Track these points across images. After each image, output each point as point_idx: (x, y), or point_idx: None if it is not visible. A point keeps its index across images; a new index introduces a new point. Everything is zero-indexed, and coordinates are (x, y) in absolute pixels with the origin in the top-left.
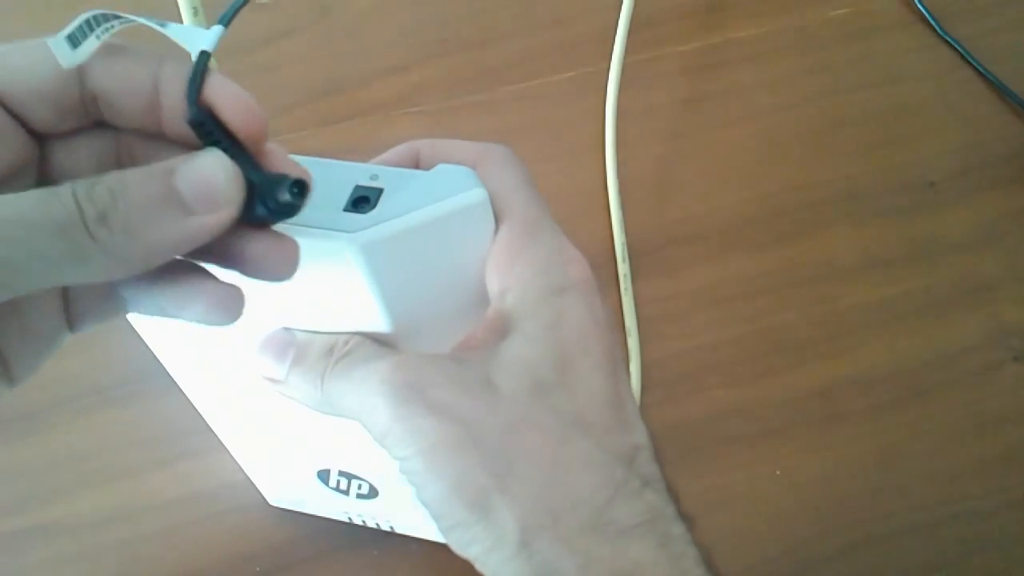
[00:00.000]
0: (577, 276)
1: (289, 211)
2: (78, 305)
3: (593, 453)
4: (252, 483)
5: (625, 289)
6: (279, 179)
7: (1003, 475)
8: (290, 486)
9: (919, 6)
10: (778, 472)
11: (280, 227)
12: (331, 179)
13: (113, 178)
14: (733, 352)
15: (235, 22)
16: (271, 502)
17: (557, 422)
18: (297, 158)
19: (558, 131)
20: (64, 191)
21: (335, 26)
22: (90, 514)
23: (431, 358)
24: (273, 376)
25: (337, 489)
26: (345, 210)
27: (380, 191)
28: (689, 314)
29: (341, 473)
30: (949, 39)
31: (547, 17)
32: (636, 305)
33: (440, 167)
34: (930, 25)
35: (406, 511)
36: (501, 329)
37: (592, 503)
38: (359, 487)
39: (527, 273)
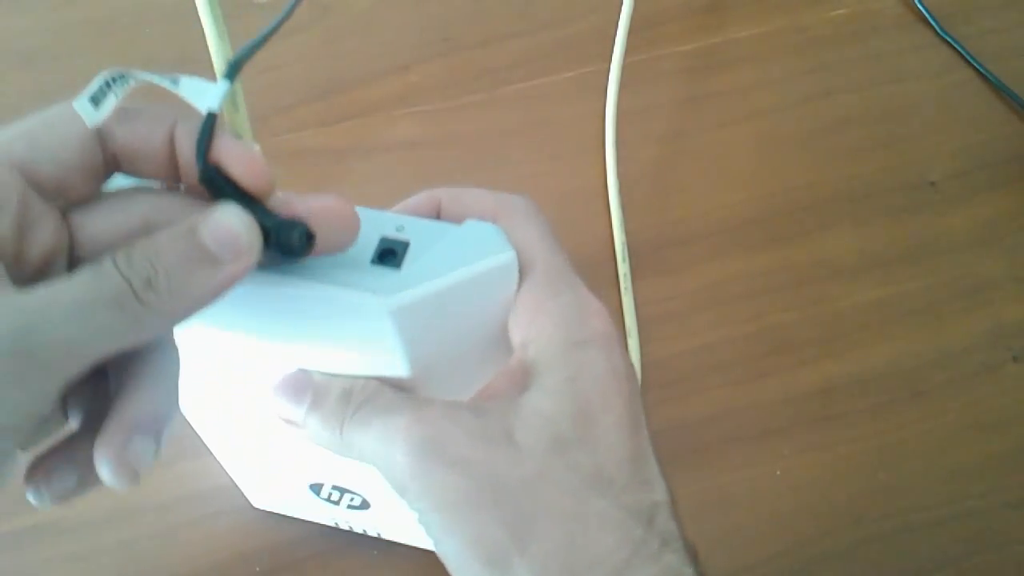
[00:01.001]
0: (598, 329)
1: (300, 253)
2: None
3: (612, 512)
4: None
5: (625, 289)
6: (290, 225)
7: (1003, 475)
8: (279, 493)
9: (919, 6)
10: (778, 472)
11: (311, 283)
12: None
13: (146, 245)
14: (733, 352)
15: (234, 22)
16: (255, 505)
17: (576, 479)
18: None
19: (558, 131)
20: (108, 267)
21: (335, 26)
22: (89, 514)
23: (450, 410)
24: (291, 419)
25: (328, 500)
26: (372, 263)
27: (407, 244)
28: (689, 314)
29: (335, 487)
30: (949, 39)
31: (547, 17)
32: (636, 305)
33: (469, 224)
34: (930, 25)
35: (396, 521)
36: (522, 380)
37: (609, 564)
38: (351, 499)
39: (549, 325)
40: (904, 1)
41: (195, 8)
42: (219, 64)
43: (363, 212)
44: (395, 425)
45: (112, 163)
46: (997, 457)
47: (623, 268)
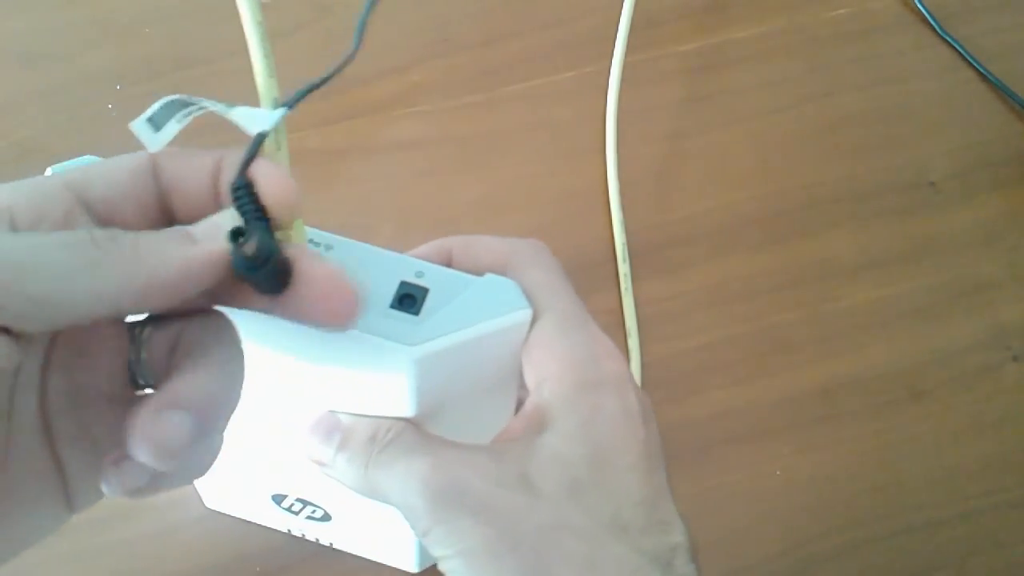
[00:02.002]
0: (611, 370)
1: (267, 287)
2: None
3: (629, 557)
4: None
5: (625, 289)
6: (275, 260)
7: (1003, 475)
8: (236, 498)
9: (919, 6)
10: (778, 472)
11: None
12: (376, 270)
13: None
14: (733, 352)
15: (235, 22)
16: (207, 504)
17: (593, 524)
18: (340, 240)
19: (558, 131)
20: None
21: (335, 26)
22: (89, 513)
23: (469, 455)
24: (320, 459)
25: (289, 510)
26: (392, 307)
27: (426, 291)
28: (689, 314)
29: (298, 500)
30: (949, 39)
31: (547, 17)
32: (636, 305)
33: (488, 278)
34: (930, 25)
35: (356, 534)
36: (538, 422)
37: None
38: (312, 511)
39: (561, 368)
40: (904, 1)
41: (195, 8)
42: (265, 94)
43: (383, 254)
44: (416, 469)
45: (164, 199)
46: (997, 457)
47: (623, 268)
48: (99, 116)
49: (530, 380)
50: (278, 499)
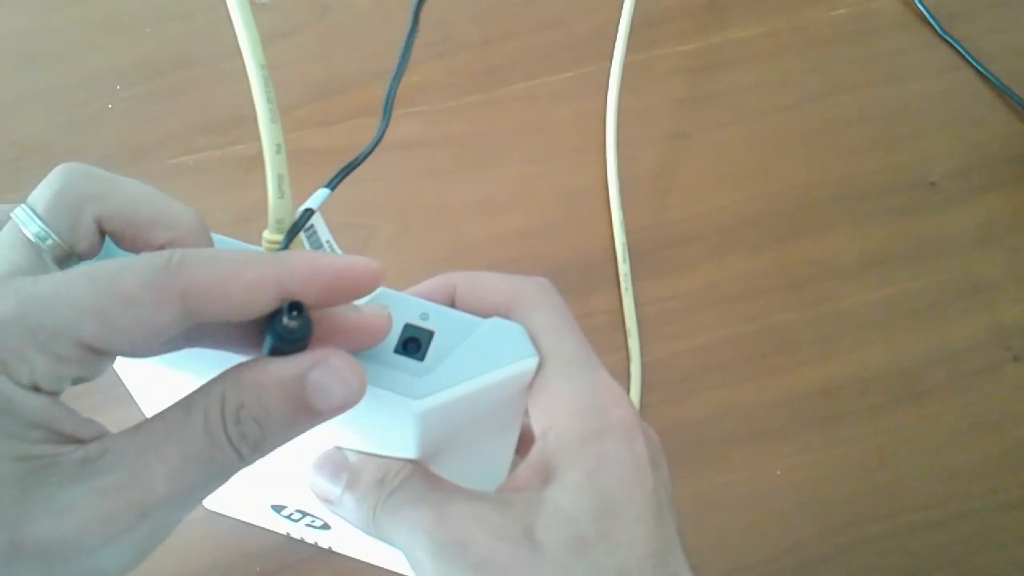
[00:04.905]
0: (616, 416)
1: (291, 337)
2: None
3: None
4: None
5: (625, 289)
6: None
7: (1003, 475)
8: (236, 502)
9: (919, 6)
10: (778, 472)
11: None
12: None
13: (253, 403)
14: (733, 352)
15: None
16: (206, 505)
17: None
18: None
19: (558, 131)
20: (215, 425)
21: (335, 26)
22: None
23: (474, 507)
24: (326, 496)
25: (288, 519)
26: (396, 351)
27: (431, 334)
28: (689, 314)
29: (298, 511)
30: (949, 39)
31: (547, 17)
32: (636, 305)
33: (494, 322)
34: (930, 25)
35: (354, 541)
36: (544, 470)
37: None
38: (312, 521)
39: (567, 415)
40: (904, 1)
41: (195, 9)
42: (267, 140)
43: (387, 294)
44: (421, 521)
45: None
46: (997, 457)
47: (623, 268)
48: (99, 116)
49: (536, 427)
50: (278, 508)
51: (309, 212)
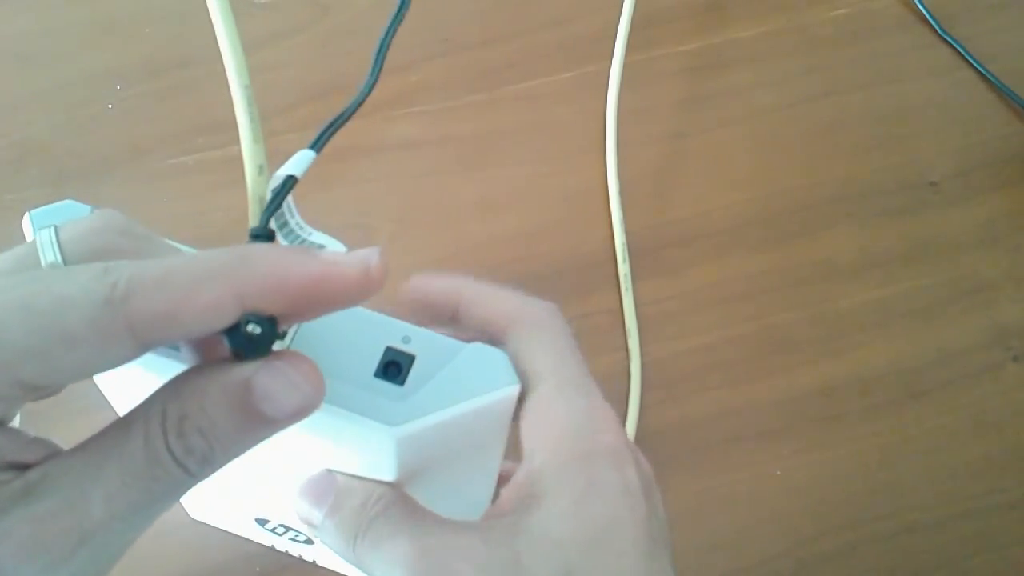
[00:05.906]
0: (608, 441)
1: (250, 345)
2: None
3: None
4: None
5: (625, 289)
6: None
7: (1003, 475)
8: (219, 513)
9: (919, 6)
10: (778, 472)
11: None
12: (361, 333)
13: (198, 415)
14: (733, 352)
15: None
16: (192, 515)
17: None
18: None
19: (558, 131)
20: (155, 432)
21: (335, 26)
22: None
23: (456, 537)
24: (309, 520)
25: (272, 532)
26: (376, 375)
27: (412, 358)
28: (689, 314)
29: (281, 525)
30: (949, 39)
31: (547, 17)
32: (636, 305)
33: (476, 347)
34: (930, 25)
35: (338, 559)
36: (529, 494)
37: None
38: (295, 535)
39: (556, 435)
40: (904, 1)
41: (195, 9)
42: (249, 159)
43: (370, 316)
44: (403, 554)
45: None
46: (997, 457)
47: (623, 268)
48: (99, 116)
49: (525, 446)
50: (261, 522)
51: (292, 180)
